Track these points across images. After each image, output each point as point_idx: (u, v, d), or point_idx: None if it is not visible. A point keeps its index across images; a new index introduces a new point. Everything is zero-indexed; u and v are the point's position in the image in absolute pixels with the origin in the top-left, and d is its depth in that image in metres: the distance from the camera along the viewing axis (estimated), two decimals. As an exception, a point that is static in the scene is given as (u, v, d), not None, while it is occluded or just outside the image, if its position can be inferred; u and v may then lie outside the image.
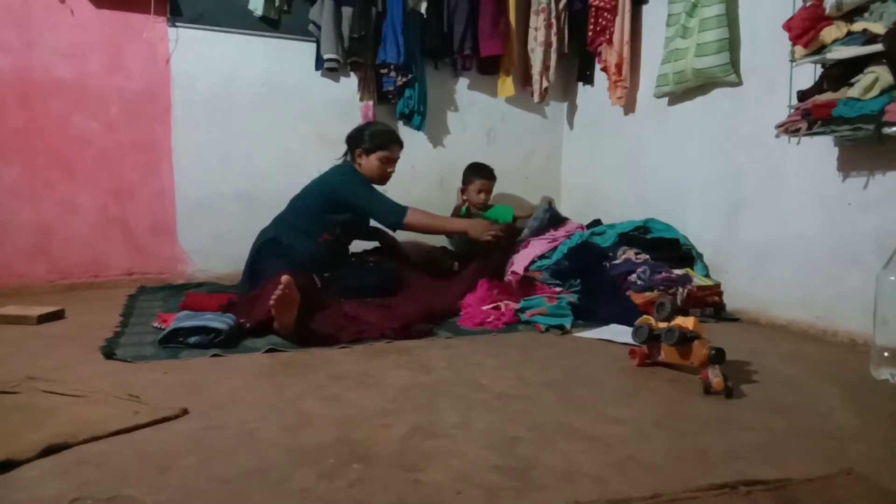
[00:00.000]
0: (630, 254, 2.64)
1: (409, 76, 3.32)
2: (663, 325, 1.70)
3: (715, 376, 1.48)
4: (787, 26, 2.03)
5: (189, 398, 1.39)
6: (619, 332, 2.08)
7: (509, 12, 3.49)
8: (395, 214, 2.57)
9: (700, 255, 2.68)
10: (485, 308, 2.33)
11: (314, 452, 1.13)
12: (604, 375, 1.68)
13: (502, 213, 3.41)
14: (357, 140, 2.71)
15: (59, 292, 2.88)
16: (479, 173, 3.36)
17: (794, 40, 2.02)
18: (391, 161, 2.71)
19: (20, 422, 1.22)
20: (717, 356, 1.52)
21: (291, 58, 3.30)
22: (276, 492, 0.98)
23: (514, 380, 1.61)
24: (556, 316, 2.24)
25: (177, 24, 3.07)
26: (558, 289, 2.58)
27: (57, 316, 2.29)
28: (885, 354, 1.62)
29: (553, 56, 3.46)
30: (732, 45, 2.48)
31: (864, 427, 1.31)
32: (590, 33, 3.21)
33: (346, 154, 2.78)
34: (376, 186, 2.69)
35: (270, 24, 3.24)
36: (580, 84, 3.69)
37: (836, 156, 2.10)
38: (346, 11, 3.17)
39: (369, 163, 2.67)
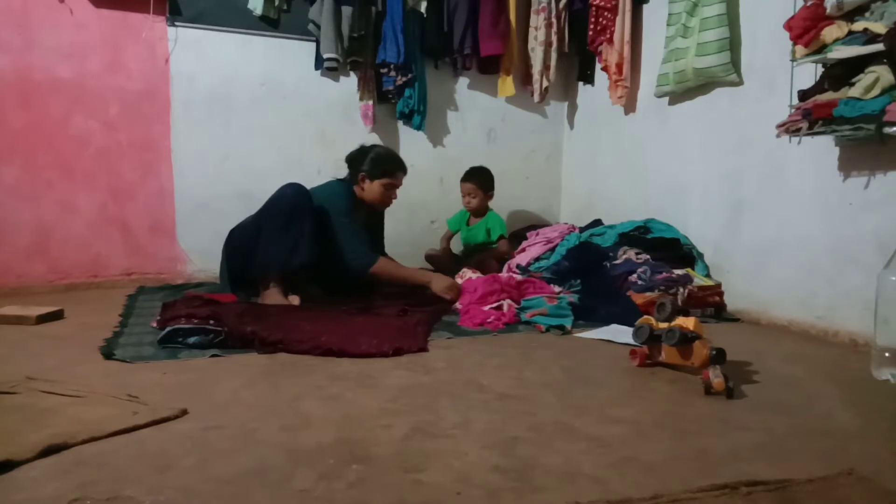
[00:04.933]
0: (630, 254, 2.64)
1: (409, 76, 3.32)
2: (664, 325, 1.69)
3: (716, 377, 1.48)
4: (788, 26, 2.03)
5: (188, 398, 1.38)
6: (620, 333, 2.08)
7: (509, 11, 3.49)
8: (364, 261, 2.53)
9: (701, 255, 2.67)
10: (486, 308, 2.32)
11: (314, 453, 1.12)
12: (604, 376, 1.68)
13: (492, 221, 3.38)
14: (360, 163, 2.66)
15: (59, 292, 2.88)
16: (462, 176, 3.38)
17: (795, 40, 2.02)
18: (394, 187, 2.71)
19: (19, 422, 1.22)
20: (718, 356, 1.52)
21: (291, 57, 3.30)
22: (275, 492, 0.98)
23: (514, 380, 1.60)
24: (556, 316, 2.23)
25: (176, 23, 3.07)
26: (558, 289, 2.58)
27: (56, 316, 2.28)
28: (886, 355, 1.62)
29: (553, 55, 3.46)
30: (733, 44, 2.47)
31: (866, 427, 1.31)
32: (590, 33, 3.21)
33: (349, 175, 2.73)
34: (379, 207, 2.73)
35: (270, 23, 3.24)
36: (580, 83, 3.69)
37: (837, 155, 2.10)
38: (346, 11, 3.17)
39: (372, 188, 2.65)
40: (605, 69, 3.22)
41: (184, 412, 1.30)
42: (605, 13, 3.11)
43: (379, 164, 2.65)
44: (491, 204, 3.44)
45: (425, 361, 1.78)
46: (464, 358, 1.82)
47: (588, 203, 3.62)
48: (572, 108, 3.83)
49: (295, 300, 2.40)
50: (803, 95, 2.04)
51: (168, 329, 1.87)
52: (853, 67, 1.86)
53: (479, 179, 3.34)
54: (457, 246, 3.54)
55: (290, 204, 2.42)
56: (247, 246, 2.45)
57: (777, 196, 2.33)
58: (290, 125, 3.33)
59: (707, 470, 1.08)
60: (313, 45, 3.28)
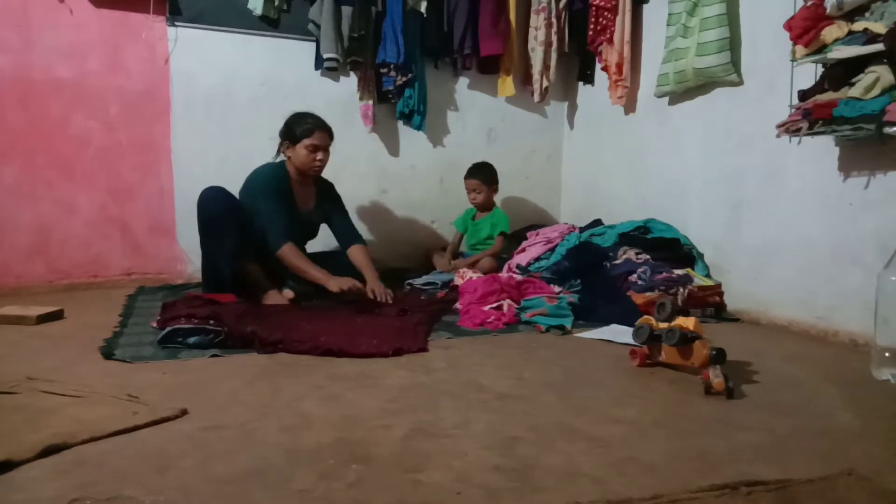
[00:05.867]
0: (631, 254, 2.64)
1: (409, 76, 3.31)
2: (664, 325, 1.69)
3: (716, 377, 1.48)
4: (788, 26, 2.03)
5: (188, 398, 1.38)
6: (620, 333, 2.08)
7: (509, 11, 3.49)
8: (275, 241, 2.48)
9: (701, 255, 2.67)
10: (486, 308, 2.32)
11: (314, 453, 1.12)
12: (604, 376, 1.68)
13: (498, 218, 3.37)
14: (283, 132, 2.63)
15: (58, 292, 2.88)
16: (466, 173, 3.37)
17: (795, 40, 2.02)
18: (318, 148, 2.60)
19: (19, 422, 1.22)
20: (718, 356, 1.52)
21: (291, 57, 3.29)
22: (275, 492, 0.98)
23: (514, 380, 1.60)
24: (556, 316, 2.23)
25: (176, 23, 3.06)
26: (558, 289, 2.58)
27: (56, 316, 2.28)
28: (887, 355, 1.62)
29: (553, 55, 3.46)
30: (733, 44, 2.47)
31: (866, 428, 1.31)
32: (590, 32, 3.21)
33: (278, 150, 2.70)
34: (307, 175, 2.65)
35: (270, 23, 3.23)
36: (580, 83, 3.69)
37: (837, 156, 2.10)
38: (346, 11, 3.16)
39: (297, 153, 2.60)
40: (605, 69, 3.22)
41: (184, 412, 1.30)
42: (605, 13, 3.11)
43: (298, 127, 2.59)
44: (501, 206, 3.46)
45: (425, 361, 1.78)
46: (464, 358, 1.82)
47: (588, 203, 3.62)
48: (572, 108, 3.83)
49: (289, 294, 2.43)
50: (803, 95, 2.04)
51: (168, 329, 1.87)
52: (853, 67, 1.86)
53: (483, 174, 3.35)
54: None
55: (208, 217, 2.44)
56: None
57: (777, 196, 2.33)
58: (290, 125, 3.32)
59: (707, 470, 1.08)
60: (313, 45, 3.28)
